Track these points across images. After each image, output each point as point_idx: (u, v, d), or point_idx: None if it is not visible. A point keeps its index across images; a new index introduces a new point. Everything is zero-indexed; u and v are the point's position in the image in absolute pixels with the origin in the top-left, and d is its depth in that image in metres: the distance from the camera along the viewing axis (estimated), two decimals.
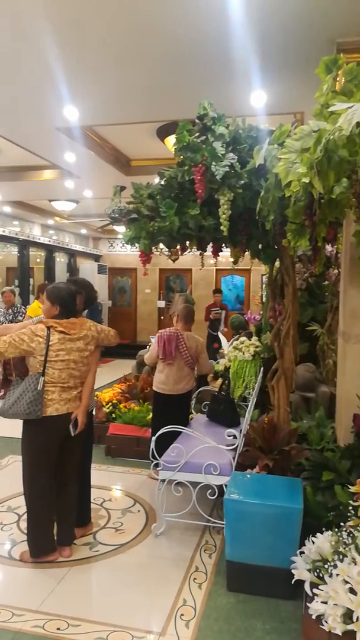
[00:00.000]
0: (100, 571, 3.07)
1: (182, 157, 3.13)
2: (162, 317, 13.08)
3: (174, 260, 4.16)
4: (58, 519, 3.22)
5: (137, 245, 3.31)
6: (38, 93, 4.07)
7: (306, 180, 2.08)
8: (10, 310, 7.60)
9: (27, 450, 3.09)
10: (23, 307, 7.79)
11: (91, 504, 3.61)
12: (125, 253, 13.88)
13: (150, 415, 4.78)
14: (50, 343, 2.97)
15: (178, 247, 3.73)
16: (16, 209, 9.54)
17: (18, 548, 3.25)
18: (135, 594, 2.83)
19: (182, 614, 2.63)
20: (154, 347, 4.38)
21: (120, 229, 10.93)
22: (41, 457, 3.05)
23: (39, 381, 2.94)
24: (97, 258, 13.95)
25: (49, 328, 3.00)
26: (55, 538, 3.19)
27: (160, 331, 4.40)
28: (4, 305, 7.70)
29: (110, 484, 4.41)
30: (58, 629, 2.50)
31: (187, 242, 3.64)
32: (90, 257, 13.78)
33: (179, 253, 3.85)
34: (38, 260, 11.90)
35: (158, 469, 3.50)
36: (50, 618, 2.58)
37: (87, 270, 12.94)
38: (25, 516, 3.23)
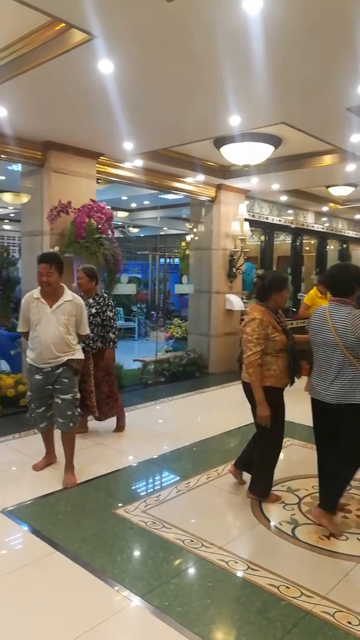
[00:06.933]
0: None
1: None
2: None
3: None
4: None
5: None
6: (331, 73, 3.95)
7: None
8: (92, 301, 4.88)
9: None
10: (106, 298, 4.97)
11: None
12: None
13: None
14: None
15: None
16: (291, 198, 9.66)
17: (301, 529, 3.31)
18: None
19: None
20: None
21: None
22: None
23: None
24: None
25: None
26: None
27: None
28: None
29: None
30: (349, 622, 2.43)
31: None
32: None
33: None
34: (307, 248, 11.88)
35: None
36: (339, 609, 2.53)
37: None
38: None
